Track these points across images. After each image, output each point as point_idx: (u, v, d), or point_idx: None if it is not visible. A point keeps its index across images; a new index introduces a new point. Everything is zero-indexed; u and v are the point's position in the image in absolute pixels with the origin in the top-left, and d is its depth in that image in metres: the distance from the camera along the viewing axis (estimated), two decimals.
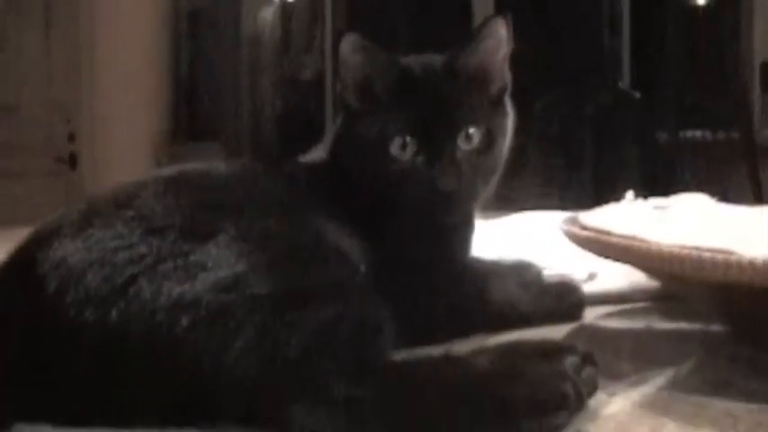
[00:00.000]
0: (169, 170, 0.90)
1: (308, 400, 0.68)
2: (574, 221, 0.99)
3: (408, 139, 0.95)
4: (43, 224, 0.82)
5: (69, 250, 0.75)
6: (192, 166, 0.92)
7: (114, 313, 0.71)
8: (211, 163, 0.95)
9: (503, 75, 1.02)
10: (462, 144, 0.96)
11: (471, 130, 0.97)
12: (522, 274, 1.08)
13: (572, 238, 0.95)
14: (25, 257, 0.78)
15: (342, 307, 0.74)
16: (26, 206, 4.85)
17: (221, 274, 0.73)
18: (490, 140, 0.98)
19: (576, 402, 0.70)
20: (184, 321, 0.71)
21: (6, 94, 4.95)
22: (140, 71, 4.88)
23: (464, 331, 0.95)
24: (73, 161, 4.93)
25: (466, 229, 1.03)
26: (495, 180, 1.02)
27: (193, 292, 0.72)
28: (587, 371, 0.73)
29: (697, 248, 0.79)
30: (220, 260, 0.74)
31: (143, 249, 0.74)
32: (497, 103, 1.02)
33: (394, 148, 0.95)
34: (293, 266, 0.75)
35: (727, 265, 0.76)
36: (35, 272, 0.75)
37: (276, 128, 4.96)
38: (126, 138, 4.80)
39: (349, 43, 0.96)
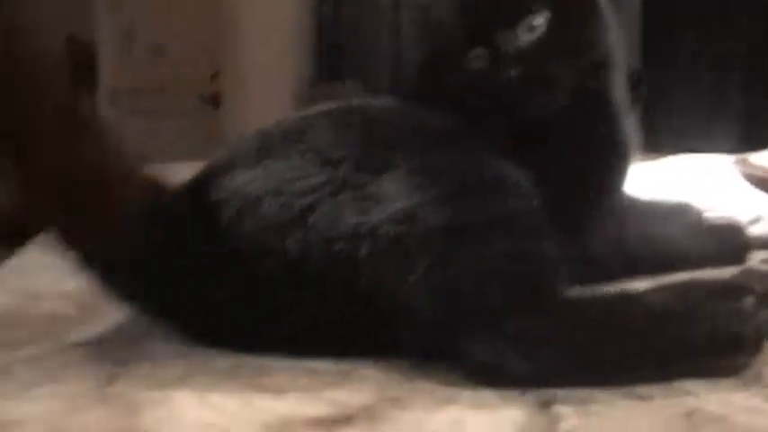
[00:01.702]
0: (331, 105, 0.90)
1: (483, 333, 0.69)
2: (744, 162, 0.97)
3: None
4: (216, 157, 0.84)
5: (246, 179, 0.76)
6: (350, 102, 0.92)
7: (293, 241, 0.73)
8: (364, 99, 0.95)
9: None
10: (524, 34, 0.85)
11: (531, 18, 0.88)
12: (682, 215, 1.06)
13: (749, 177, 0.93)
14: (201, 187, 0.80)
15: (518, 240, 0.73)
16: (171, 144, 4.95)
17: (396, 206, 0.73)
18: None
19: (754, 344, 0.69)
20: (362, 251, 0.72)
21: (154, 35, 5.04)
22: (284, 10, 4.91)
23: (627, 270, 0.93)
24: (216, 100, 5.00)
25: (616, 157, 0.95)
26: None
27: (370, 222, 0.73)
28: (764, 313, 0.72)
29: None
30: (395, 193, 0.74)
31: (319, 180, 0.75)
32: None
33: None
34: (467, 199, 0.75)
35: None
36: (212, 200, 0.77)
37: (417, 69, 4.92)
38: (269, 77, 4.84)
39: None
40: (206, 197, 0.78)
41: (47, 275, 0.97)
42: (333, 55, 5.22)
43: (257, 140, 0.82)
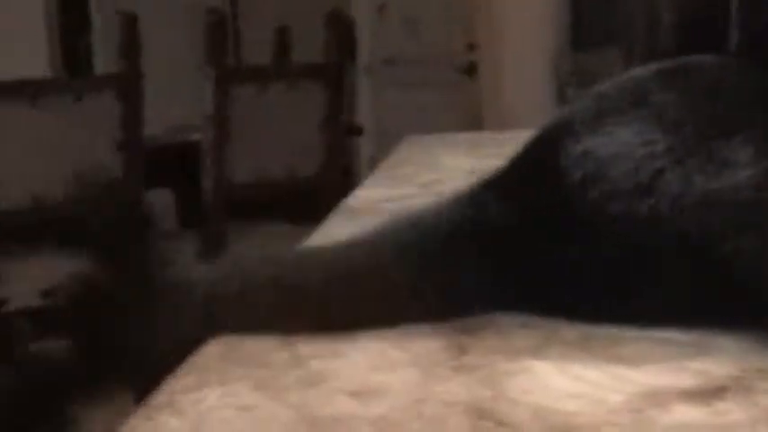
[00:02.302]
0: (666, 64, 0.87)
1: None
2: None
3: None
4: (551, 121, 0.82)
5: (591, 144, 0.75)
6: (684, 60, 0.88)
7: (643, 208, 0.71)
8: (698, 57, 0.91)
9: None
10: None
11: None
12: None
13: None
14: (539, 152, 0.79)
15: None
16: (428, 115, 5.00)
17: (750, 172, 0.70)
18: None
19: None
20: (715, 219, 0.69)
21: (409, 8, 5.09)
22: None
23: None
24: (472, 71, 5.01)
25: None
26: None
27: (722, 189, 0.70)
28: None
29: None
30: (747, 157, 0.71)
31: (665, 145, 0.73)
32: None
33: None
34: None
35: None
36: (556, 164, 0.75)
37: (674, 36, 4.79)
38: (524, 45, 4.81)
39: None
40: (548, 163, 0.76)
41: None
42: (589, 23, 5.14)
43: (595, 104, 0.80)
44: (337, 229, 1.14)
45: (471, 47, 5.01)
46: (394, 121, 5.08)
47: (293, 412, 0.61)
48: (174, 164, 3.87)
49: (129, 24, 3.38)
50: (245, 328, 0.74)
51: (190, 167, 3.65)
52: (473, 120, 4.88)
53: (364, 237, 0.80)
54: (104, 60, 5.41)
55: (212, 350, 0.73)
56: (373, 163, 4.74)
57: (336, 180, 3.80)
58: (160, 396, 0.64)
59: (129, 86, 3.39)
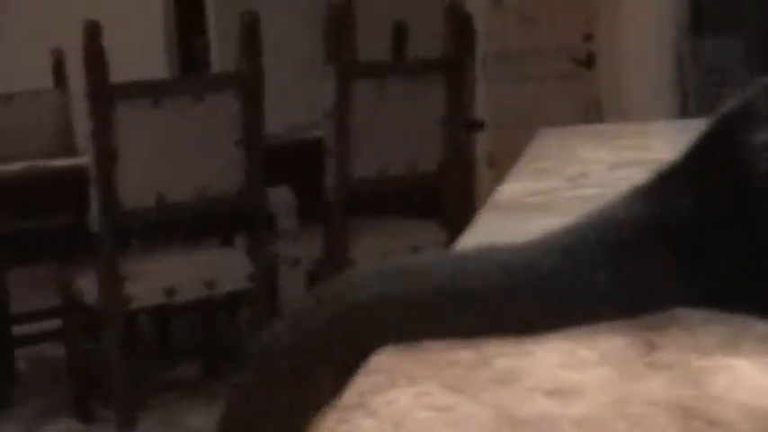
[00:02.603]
0: None
1: None
2: None
3: None
4: (726, 111, 0.79)
5: None
6: None
7: None
8: None
9: None
10: None
11: None
12: None
13: None
14: (720, 143, 0.76)
15: None
16: (545, 108, 4.96)
17: None
18: None
19: None
20: None
21: (525, 0, 5.05)
22: None
23: None
24: (590, 61, 4.95)
25: None
26: None
27: None
28: None
29: None
30: None
31: None
32: None
33: None
34: None
35: None
36: (740, 155, 0.73)
37: None
38: (643, 34, 4.74)
39: None
40: (732, 154, 0.74)
41: None
42: (709, 7, 5.04)
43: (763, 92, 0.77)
44: (491, 226, 1.13)
45: (589, 37, 4.95)
46: (510, 114, 5.05)
47: (492, 412, 0.59)
48: (294, 161, 3.89)
49: (251, 22, 3.41)
50: (422, 332, 0.73)
51: (310, 165, 3.66)
52: (591, 111, 4.82)
53: (544, 238, 0.78)
54: (221, 60, 5.47)
55: (391, 351, 0.72)
56: (491, 158, 4.71)
57: (458, 175, 3.78)
58: (349, 397, 0.63)
59: (249, 85, 3.42)
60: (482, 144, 5.00)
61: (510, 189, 1.35)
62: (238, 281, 3.48)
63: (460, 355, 0.69)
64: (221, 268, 3.47)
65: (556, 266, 0.74)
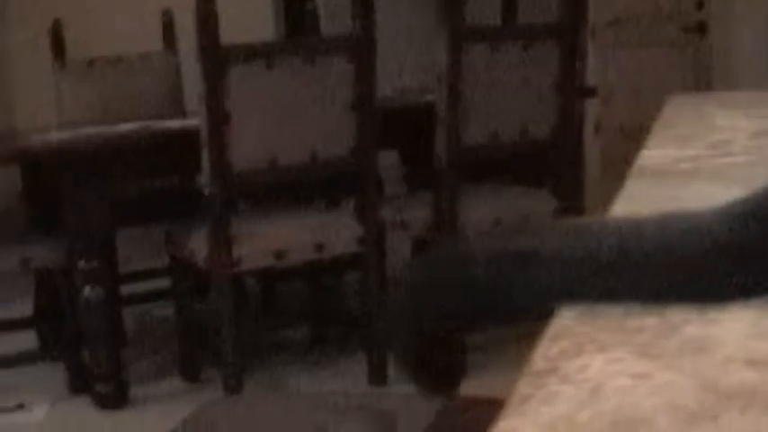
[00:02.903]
0: None
1: None
2: None
3: None
4: None
5: None
6: None
7: None
8: None
9: None
10: None
11: None
12: None
13: None
14: None
15: None
16: (653, 76, 4.88)
17: None
18: None
19: None
20: None
21: None
22: None
23: None
24: (702, 29, 4.86)
25: None
26: None
27: None
28: None
29: None
30: None
31: None
32: None
33: None
34: None
35: None
36: None
37: None
38: (756, 2, 4.63)
39: None
40: None
41: None
42: None
43: None
44: (642, 192, 1.11)
45: (700, 5, 4.86)
46: (620, 81, 4.98)
47: (692, 381, 0.58)
48: (403, 126, 3.87)
49: None
50: (603, 294, 0.71)
51: (419, 130, 3.65)
52: (702, 78, 4.74)
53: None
54: (329, 24, 5.47)
55: (570, 314, 0.70)
56: (598, 125, 4.65)
57: (570, 142, 3.73)
58: (538, 362, 0.62)
59: (362, 48, 3.40)
60: (591, 111, 4.94)
61: (654, 155, 1.32)
62: (348, 244, 3.48)
63: (645, 322, 0.68)
64: (330, 231, 3.47)
65: (742, 233, 0.71)
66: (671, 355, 0.62)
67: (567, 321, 0.69)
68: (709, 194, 1.08)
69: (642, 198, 1.07)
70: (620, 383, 0.58)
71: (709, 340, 0.64)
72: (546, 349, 0.64)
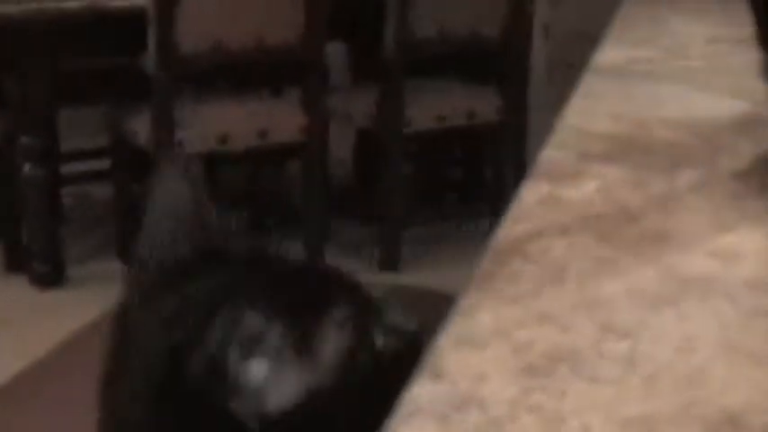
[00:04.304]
0: None
1: None
2: None
3: None
4: None
5: None
6: None
7: None
8: None
9: None
10: None
11: None
12: None
13: None
14: None
15: None
16: None
17: None
18: None
19: None
20: None
21: None
22: None
23: None
24: None
25: None
26: None
27: None
28: None
29: None
30: None
31: None
32: None
33: None
34: None
35: None
36: None
37: None
38: None
39: None
40: None
41: None
42: None
43: None
44: (596, 89, 1.11)
45: None
46: None
47: (655, 268, 0.59)
48: (353, 15, 3.83)
49: None
50: None
51: (368, 20, 3.62)
52: None
53: None
54: None
55: (534, 197, 0.71)
56: (546, 29, 4.64)
57: (520, 42, 3.73)
58: (501, 242, 0.63)
59: None
60: (541, 13, 4.92)
61: (609, 56, 1.33)
62: (291, 132, 3.46)
63: (605, 209, 0.69)
64: (275, 119, 3.45)
65: None
66: (632, 243, 0.63)
67: (529, 205, 0.70)
68: (666, 95, 1.09)
69: (598, 95, 1.08)
70: (583, 266, 0.59)
71: (672, 231, 0.65)
72: (507, 230, 0.65)
